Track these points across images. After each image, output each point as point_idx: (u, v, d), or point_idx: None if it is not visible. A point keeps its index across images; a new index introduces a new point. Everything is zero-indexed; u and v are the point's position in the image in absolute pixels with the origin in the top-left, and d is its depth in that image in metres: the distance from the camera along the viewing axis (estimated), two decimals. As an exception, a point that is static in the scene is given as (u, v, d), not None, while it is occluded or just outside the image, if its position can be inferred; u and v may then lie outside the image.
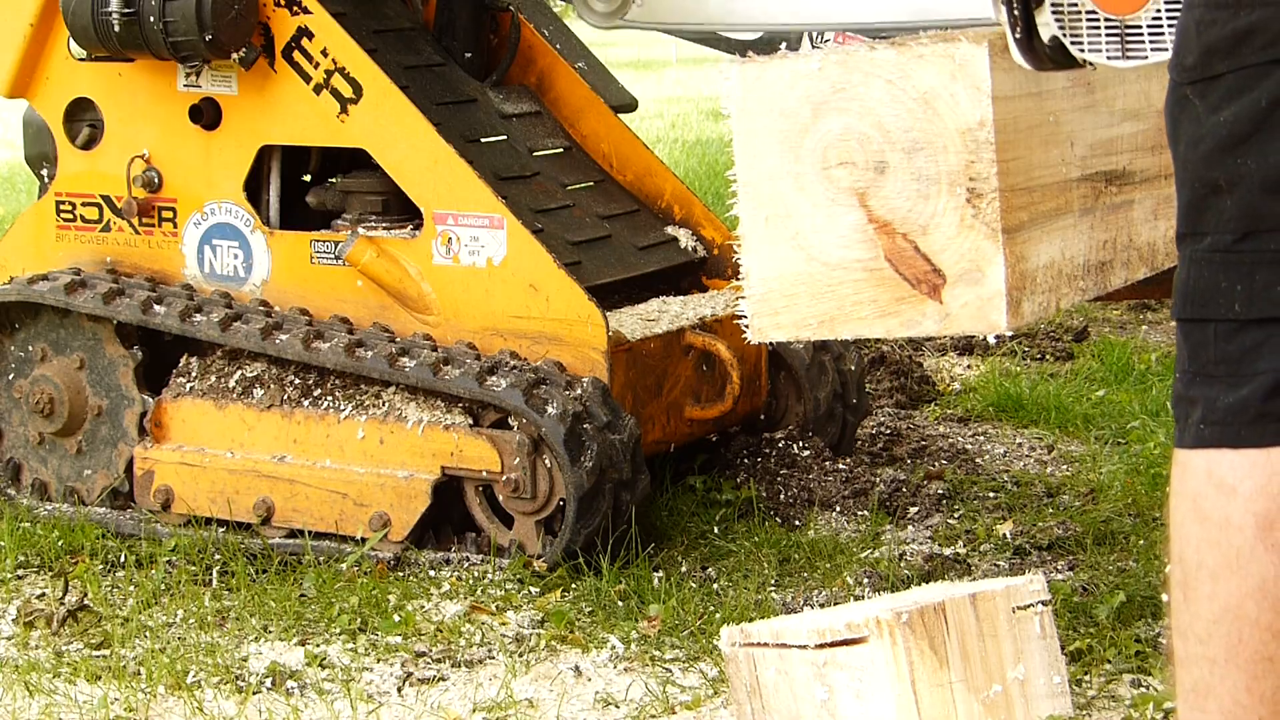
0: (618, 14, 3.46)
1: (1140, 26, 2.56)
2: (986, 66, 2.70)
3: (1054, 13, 2.60)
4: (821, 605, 3.68)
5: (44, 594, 3.90)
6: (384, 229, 4.30)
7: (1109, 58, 2.59)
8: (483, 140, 4.55)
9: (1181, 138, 2.21)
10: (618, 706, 3.34)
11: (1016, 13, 2.56)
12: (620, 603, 3.78)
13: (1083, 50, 2.60)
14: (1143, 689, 3.28)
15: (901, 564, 3.97)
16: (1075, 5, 2.59)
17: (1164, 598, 2.32)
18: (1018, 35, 2.57)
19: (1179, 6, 2.50)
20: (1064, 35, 2.60)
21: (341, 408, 4.17)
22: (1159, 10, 2.54)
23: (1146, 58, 2.57)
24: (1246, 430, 2.17)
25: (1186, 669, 2.26)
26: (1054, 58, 2.62)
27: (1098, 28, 2.59)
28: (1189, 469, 2.23)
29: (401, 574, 4.00)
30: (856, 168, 2.77)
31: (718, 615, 3.66)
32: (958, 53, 2.70)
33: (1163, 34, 2.55)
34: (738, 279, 2.93)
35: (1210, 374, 2.19)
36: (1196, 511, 2.21)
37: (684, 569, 3.99)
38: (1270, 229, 2.15)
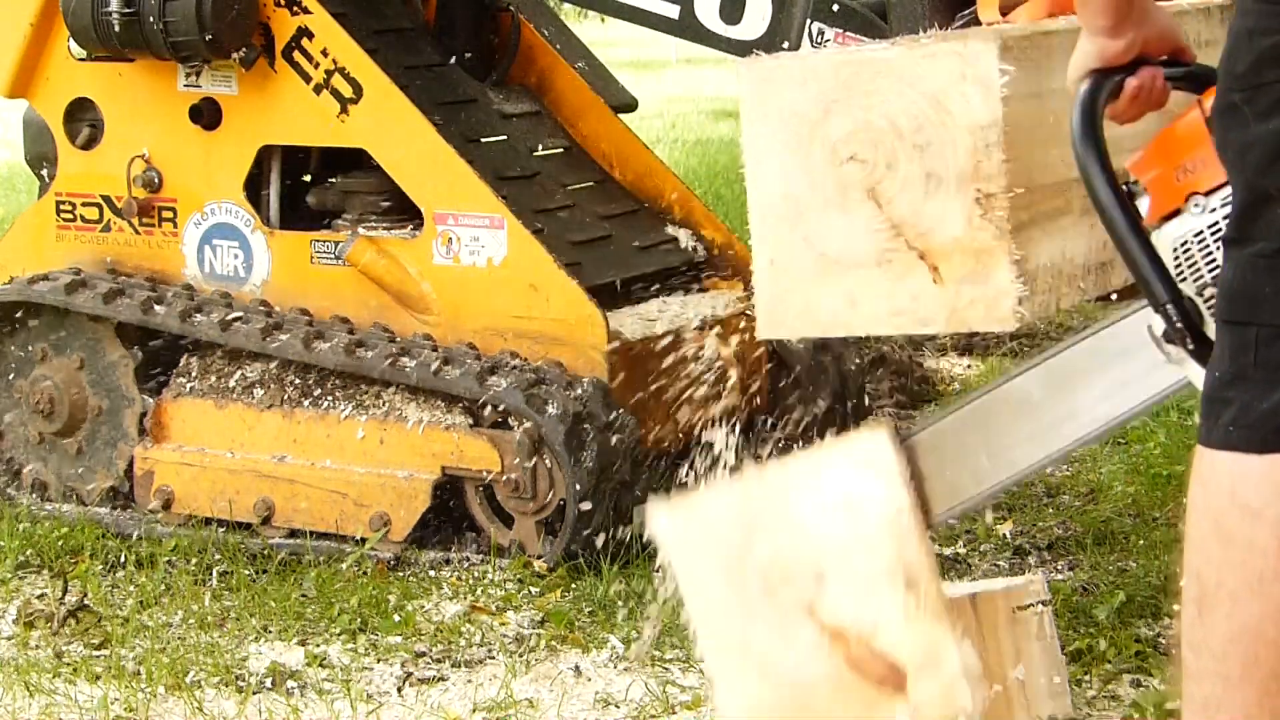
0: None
1: None
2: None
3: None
4: (822, 605, 3.67)
5: (44, 594, 3.90)
6: (384, 229, 4.30)
7: None
8: (483, 140, 4.55)
9: (1230, 144, 2.21)
10: (618, 706, 3.34)
11: (1181, 325, 2.51)
12: (620, 603, 3.78)
13: None
14: (1143, 689, 3.28)
15: (902, 564, 3.96)
16: None
17: (1175, 608, 2.32)
18: (1190, 347, 2.53)
19: None
20: None
21: (341, 408, 4.17)
22: None
23: None
24: (1274, 437, 2.17)
25: (1198, 683, 2.25)
26: None
27: None
28: (1211, 487, 2.22)
29: (401, 574, 4.00)
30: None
31: (718, 615, 3.66)
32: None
33: None
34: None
35: (1248, 377, 2.19)
36: (1219, 532, 2.20)
37: (684, 569, 3.98)
38: None
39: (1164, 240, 2.59)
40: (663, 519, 2.89)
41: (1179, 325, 2.51)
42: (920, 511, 2.73)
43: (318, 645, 3.63)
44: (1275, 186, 2.15)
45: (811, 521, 2.76)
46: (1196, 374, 2.53)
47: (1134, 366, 2.76)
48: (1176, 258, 2.58)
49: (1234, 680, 2.22)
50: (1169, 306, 2.50)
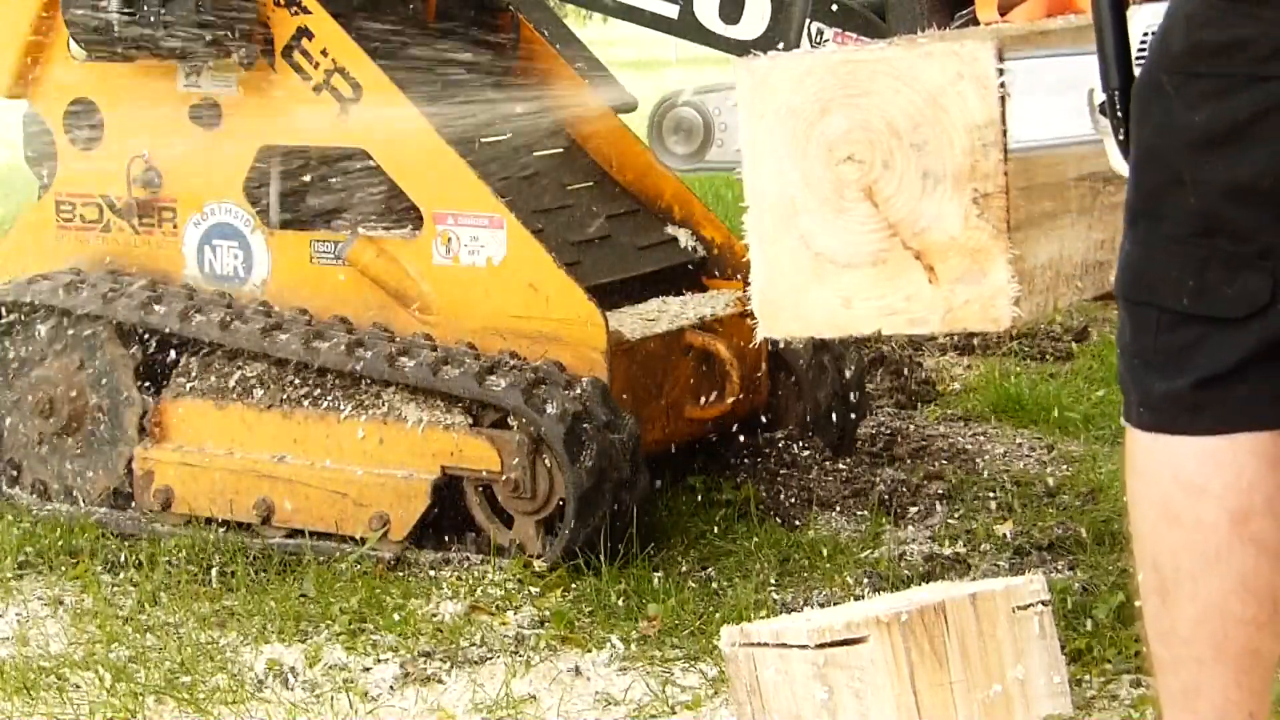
0: (698, 155, 3.42)
1: None
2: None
3: None
4: (821, 605, 3.68)
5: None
6: (384, 229, 4.30)
7: None
8: (483, 140, 4.54)
9: (1150, 120, 2.23)
10: (618, 706, 3.34)
11: (1120, 115, 2.51)
12: (620, 603, 3.78)
13: None
14: (1143, 689, 3.28)
15: (901, 564, 3.97)
16: None
17: (1137, 604, 2.32)
18: (1120, 138, 2.52)
19: None
20: None
21: (341, 407, 4.17)
22: None
23: None
24: (1184, 418, 2.20)
25: (1173, 673, 2.25)
26: None
27: None
28: (1150, 473, 2.24)
29: (401, 574, 4.00)
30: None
31: (718, 615, 3.66)
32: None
33: None
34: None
35: (1148, 360, 2.23)
36: (1167, 515, 2.22)
37: (684, 569, 3.99)
38: (1227, 232, 2.17)
39: (1139, 19, 2.56)
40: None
41: (1119, 115, 2.50)
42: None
43: (317, 645, 3.63)
44: (1188, 175, 2.17)
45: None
46: (1116, 158, 2.53)
47: (1070, 103, 2.77)
48: (1144, 40, 2.56)
49: (1207, 662, 2.22)
50: (1117, 93, 2.48)
